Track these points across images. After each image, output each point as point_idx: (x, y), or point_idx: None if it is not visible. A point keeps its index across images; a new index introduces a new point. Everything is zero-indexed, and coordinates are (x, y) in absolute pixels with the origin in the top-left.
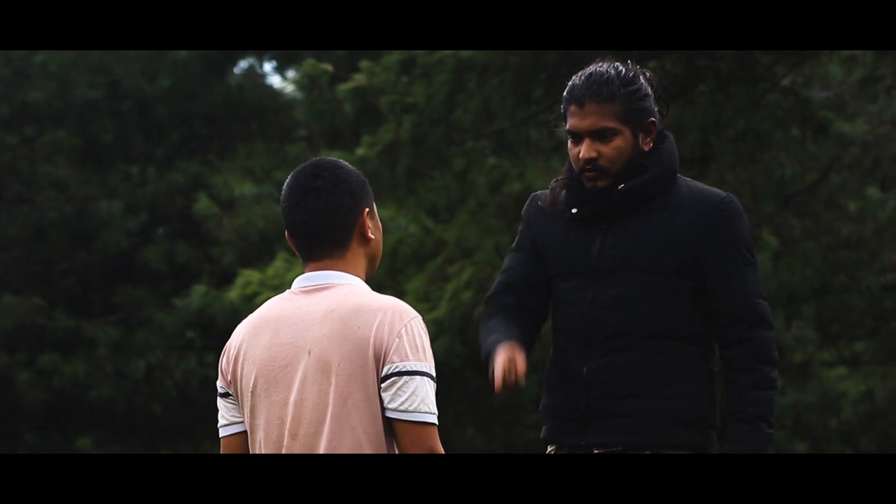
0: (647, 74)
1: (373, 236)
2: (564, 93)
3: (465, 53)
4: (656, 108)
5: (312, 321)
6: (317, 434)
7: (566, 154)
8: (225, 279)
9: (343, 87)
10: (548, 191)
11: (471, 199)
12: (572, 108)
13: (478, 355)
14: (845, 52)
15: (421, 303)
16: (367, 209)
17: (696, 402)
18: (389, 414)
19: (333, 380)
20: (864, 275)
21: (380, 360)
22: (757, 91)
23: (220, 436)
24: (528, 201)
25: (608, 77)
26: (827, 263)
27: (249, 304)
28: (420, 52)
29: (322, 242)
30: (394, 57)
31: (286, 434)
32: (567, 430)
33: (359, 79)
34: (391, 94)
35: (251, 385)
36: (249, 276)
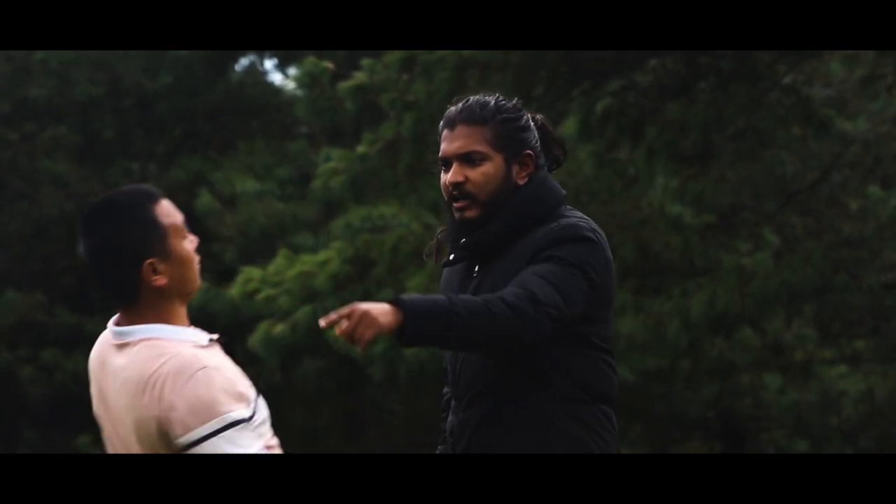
0: (538, 117)
1: (162, 282)
2: (440, 122)
3: (465, 51)
4: (538, 145)
5: (118, 389)
6: None
7: (566, 153)
8: (226, 276)
9: (344, 85)
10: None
11: None
12: (444, 132)
13: None
14: (846, 51)
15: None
16: (151, 260)
17: (549, 449)
18: None
19: (137, 448)
20: (865, 273)
21: (169, 436)
22: (758, 89)
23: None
24: None
25: (484, 102)
26: (828, 262)
27: (250, 301)
28: (421, 50)
29: (113, 296)
30: (395, 55)
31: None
32: None
33: (360, 76)
34: (392, 91)
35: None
36: (250, 273)
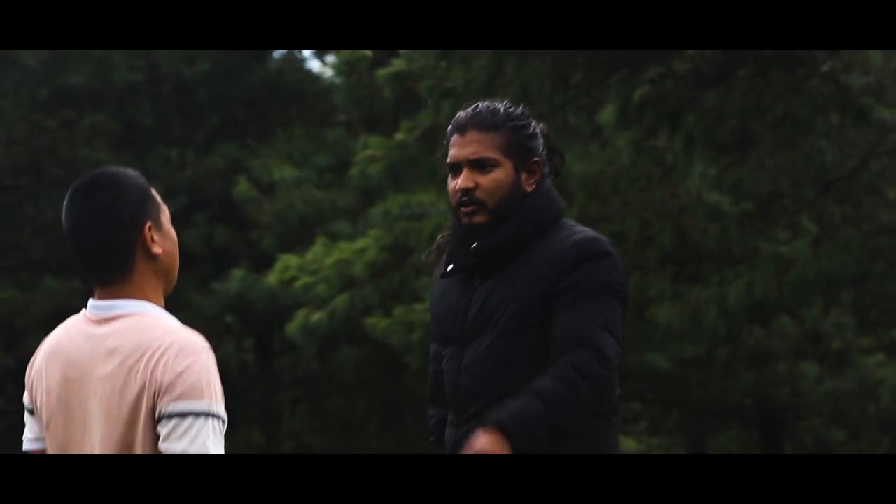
0: (541, 125)
1: (159, 250)
2: (449, 127)
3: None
4: (544, 153)
5: (97, 360)
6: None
7: (605, 140)
8: (264, 263)
9: (382, 72)
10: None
11: None
12: (454, 137)
13: None
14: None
15: None
16: (150, 223)
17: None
18: None
19: (116, 425)
20: None
21: (155, 401)
22: (797, 77)
23: (24, 448)
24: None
25: (494, 108)
26: (865, 250)
27: (288, 288)
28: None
29: (105, 267)
30: None
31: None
32: None
33: (398, 64)
34: (430, 78)
35: (48, 415)
36: (288, 261)
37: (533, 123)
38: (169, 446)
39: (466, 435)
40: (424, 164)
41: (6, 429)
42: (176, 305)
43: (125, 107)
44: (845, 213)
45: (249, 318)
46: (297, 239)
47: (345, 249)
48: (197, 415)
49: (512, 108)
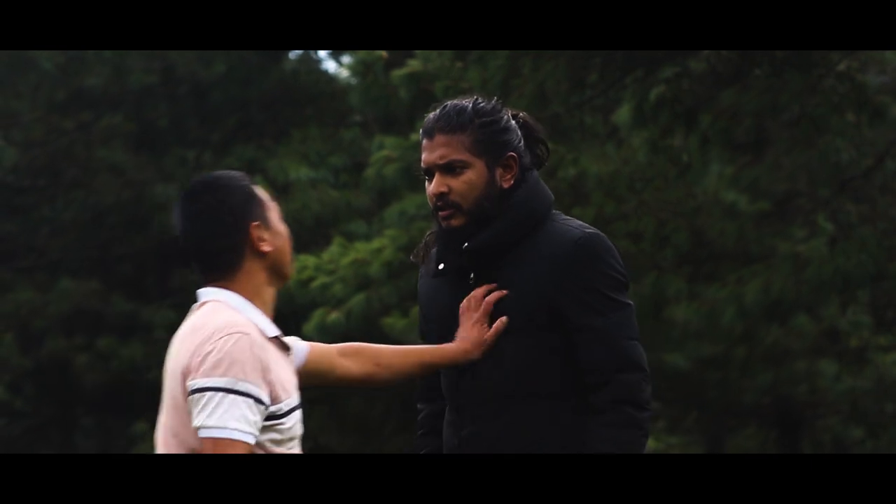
0: (520, 114)
1: (268, 248)
2: (420, 130)
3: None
4: (522, 145)
5: (175, 342)
6: (158, 434)
7: (621, 140)
8: None
9: (398, 73)
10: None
11: None
12: (424, 142)
13: None
14: None
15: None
16: (256, 222)
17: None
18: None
19: (169, 404)
20: None
21: (186, 380)
22: (812, 76)
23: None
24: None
25: (461, 108)
26: (882, 248)
27: (304, 288)
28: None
29: (212, 268)
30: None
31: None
32: None
33: (413, 64)
34: (446, 79)
35: None
36: (305, 261)
37: (505, 117)
38: (193, 423)
39: (470, 438)
40: None
41: (25, 429)
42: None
43: (141, 108)
44: (861, 211)
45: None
46: (312, 239)
47: (361, 249)
48: (216, 389)
49: (480, 104)
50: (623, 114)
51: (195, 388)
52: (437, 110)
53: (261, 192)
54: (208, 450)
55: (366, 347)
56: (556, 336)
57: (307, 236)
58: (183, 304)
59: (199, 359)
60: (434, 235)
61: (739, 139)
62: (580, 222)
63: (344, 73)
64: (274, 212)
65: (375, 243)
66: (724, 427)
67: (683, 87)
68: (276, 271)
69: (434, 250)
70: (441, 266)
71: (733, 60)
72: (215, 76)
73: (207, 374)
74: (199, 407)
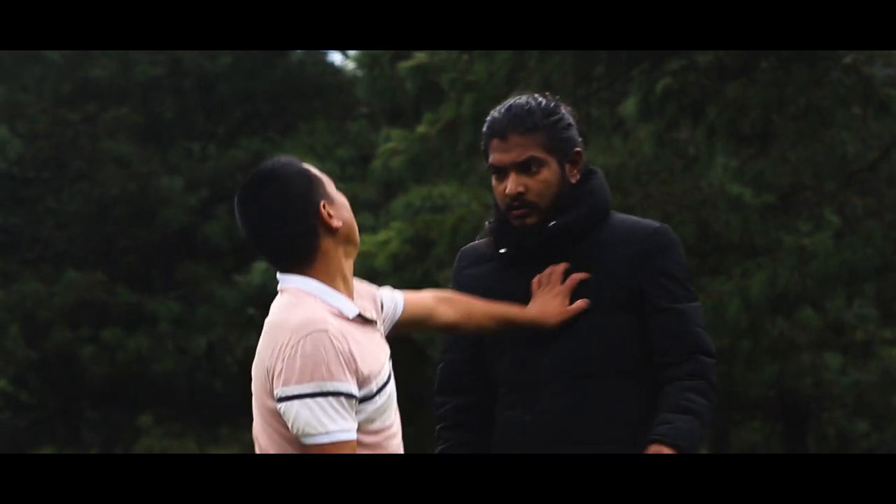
0: (568, 108)
1: (339, 223)
2: (484, 128)
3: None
4: (580, 139)
5: (262, 336)
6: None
7: (627, 133)
8: None
9: (404, 65)
10: (473, 243)
11: None
12: (494, 142)
13: None
14: None
15: None
16: (323, 201)
17: (641, 443)
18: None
19: (254, 400)
20: None
21: (272, 386)
22: (819, 68)
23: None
24: (457, 259)
25: (529, 108)
26: (888, 242)
27: None
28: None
29: (291, 258)
30: None
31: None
32: None
33: (420, 57)
34: (452, 71)
35: None
36: None
37: (564, 114)
38: (293, 433)
39: (546, 414)
40: (446, 157)
41: (31, 422)
42: (198, 298)
43: (147, 101)
44: (867, 204)
45: None
46: None
47: (367, 242)
48: (302, 397)
49: (544, 104)
50: (629, 106)
51: (284, 396)
52: (503, 110)
53: (314, 170)
54: (318, 454)
55: (457, 297)
56: (633, 317)
57: None
58: (188, 297)
59: (282, 364)
60: (492, 225)
61: (745, 132)
62: (640, 218)
63: (350, 65)
64: (330, 185)
65: (381, 236)
66: (729, 420)
67: (689, 79)
68: (349, 242)
69: (491, 238)
70: (502, 251)
71: (739, 53)
72: (221, 68)
73: (294, 382)
74: (293, 416)
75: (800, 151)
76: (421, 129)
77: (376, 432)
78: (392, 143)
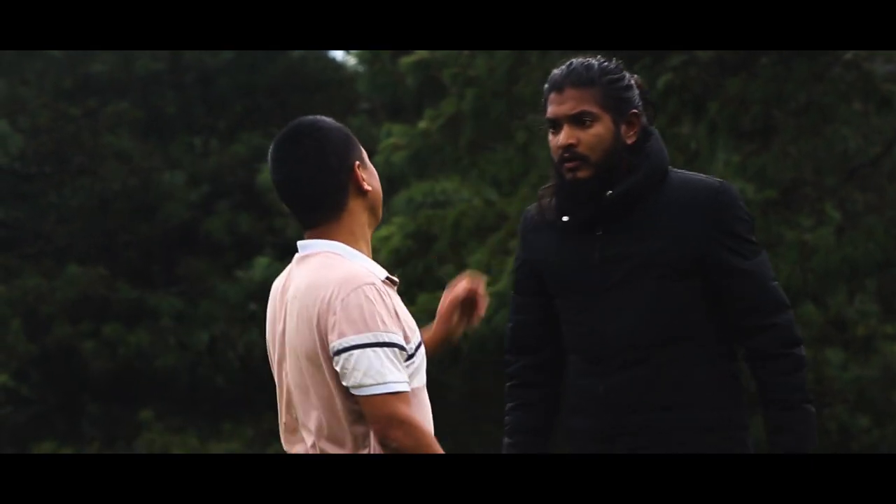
0: (635, 76)
1: (369, 187)
2: (545, 86)
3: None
4: (641, 104)
5: (288, 297)
6: (298, 409)
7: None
8: (288, 251)
9: (405, 61)
10: (535, 205)
11: (533, 172)
12: (552, 95)
13: None
14: None
15: (482, 275)
16: (358, 162)
17: (721, 406)
18: (352, 392)
19: (297, 360)
20: None
21: (325, 340)
22: (819, 64)
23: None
24: (521, 221)
25: (589, 64)
26: (890, 237)
27: None
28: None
29: (318, 209)
30: None
31: (283, 407)
32: (593, 451)
33: (421, 52)
34: (453, 66)
35: (272, 357)
36: None
37: (626, 75)
38: (348, 382)
39: (618, 385)
40: (448, 153)
41: (31, 416)
42: (200, 293)
43: (148, 95)
44: (869, 200)
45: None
46: None
47: None
48: (363, 346)
49: (605, 63)
50: None
51: (341, 348)
52: (564, 66)
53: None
54: (369, 406)
55: None
56: (699, 281)
57: None
58: (189, 292)
59: (335, 316)
60: (552, 189)
61: (746, 127)
62: (699, 173)
63: (351, 60)
64: (366, 155)
65: (383, 231)
66: None
67: (691, 75)
68: (374, 211)
69: (552, 202)
70: (566, 219)
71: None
72: (222, 63)
73: (350, 332)
74: (352, 366)
75: (801, 147)
76: (422, 124)
77: (414, 392)
78: (393, 139)
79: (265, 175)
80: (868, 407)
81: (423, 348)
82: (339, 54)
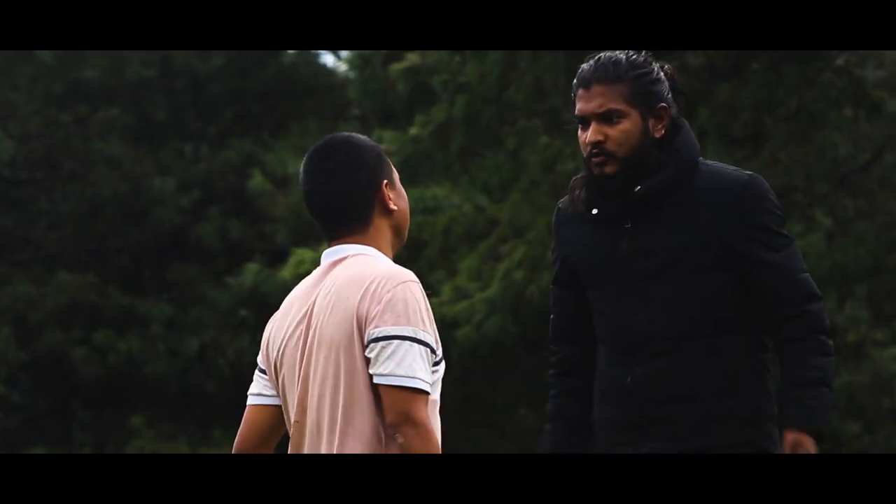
0: (665, 66)
1: (395, 207)
2: (574, 81)
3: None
4: (670, 96)
5: (324, 296)
6: (320, 406)
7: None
8: (278, 257)
9: (396, 67)
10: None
11: (523, 178)
12: (580, 91)
13: (530, 334)
14: None
15: (473, 282)
16: (386, 181)
17: (749, 397)
18: (375, 380)
19: (328, 352)
20: None
21: (363, 328)
22: (810, 70)
23: (248, 403)
24: (554, 214)
25: (616, 59)
26: (880, 243)
27: None
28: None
29: (343, 222)
30: None
31: (297, 406)
32: (621, 442)
33: (411, 58)
34: (444, 72)
35: (278, 365)
36: (302, 255)
37: (656, 68)
38: (376, 370)
39: (645, 376)
40: (438, 159)
41: (20, 422)
42: (190, 300)
43: (139, 101)
44: (859, 206)
45: (264, 312)
46: (311, 233)
47: None
48: (402, 338)
49: (633, 57)
50: None
51: (381, 335)
52: (592, 61)
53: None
54: (391, 397)
55: None
56: (728, 274)
57: (305, 230)
58: (179, 299)
59: (379, 307)
60: (582, 180)
61: (737, 133)
62: (730, 165)
63: (342, 66)
64: (397, 176)
65: None
66: None
67: (681, 81)
68: (398, 232)
69: (582, 194)
70: (595, 211)
71: (731, 54)
72: (213, 69)
73: (393, 323)
74: (388, 354)
75: (791, 153)
76: (413, 130)
77: (432, 402)
78: (384, 145)
79: (255, 181)
80: (858, 413)
81: (443, 364)
82: (329, 60)
